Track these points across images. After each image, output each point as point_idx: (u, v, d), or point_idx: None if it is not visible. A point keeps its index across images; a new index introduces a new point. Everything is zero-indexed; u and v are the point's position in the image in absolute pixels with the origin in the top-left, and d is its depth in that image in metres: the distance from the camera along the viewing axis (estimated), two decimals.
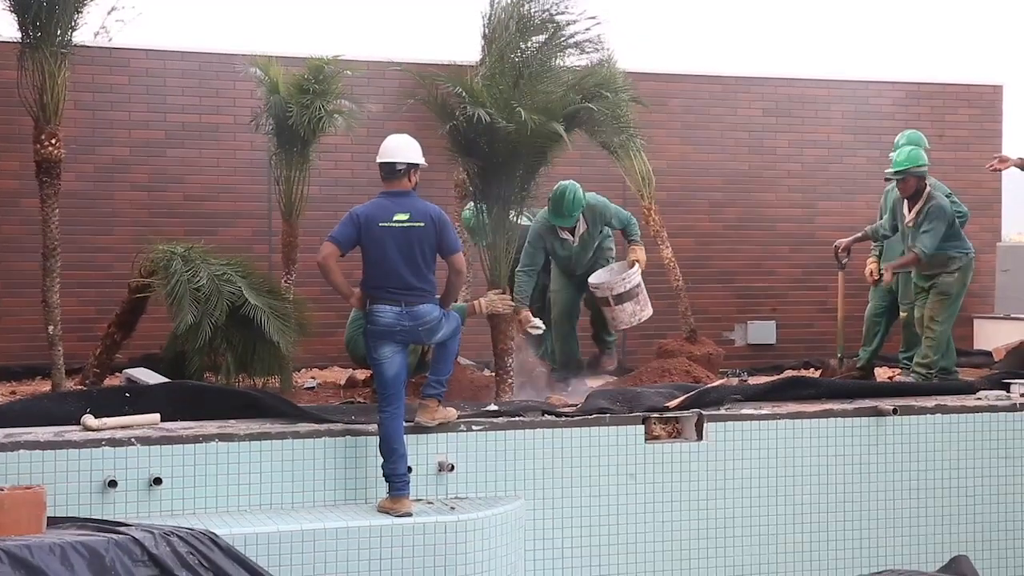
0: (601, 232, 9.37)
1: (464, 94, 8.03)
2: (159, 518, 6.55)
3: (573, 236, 9.27)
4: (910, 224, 9.24)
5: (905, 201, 9.31)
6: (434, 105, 8.39)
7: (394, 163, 7.02)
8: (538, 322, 8.73)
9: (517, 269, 9.06)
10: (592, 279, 9.29)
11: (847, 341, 9.99)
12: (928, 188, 9.26)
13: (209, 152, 10.65)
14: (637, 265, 9.17)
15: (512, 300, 8.46)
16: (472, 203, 9.28)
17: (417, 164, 7.08)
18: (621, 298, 9.09)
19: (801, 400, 8.36)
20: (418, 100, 8.63)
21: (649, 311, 9.30)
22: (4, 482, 6.32)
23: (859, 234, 9.79)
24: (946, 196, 10.09)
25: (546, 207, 9.21)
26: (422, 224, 6.91)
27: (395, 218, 6.90)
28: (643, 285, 9.21)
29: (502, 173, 8.26)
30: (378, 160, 7.07)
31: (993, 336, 11.77)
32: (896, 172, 9.24)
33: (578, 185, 9.15)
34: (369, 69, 10.60)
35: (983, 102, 12.72)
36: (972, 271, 9.37)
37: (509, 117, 7.96)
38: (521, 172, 8.37)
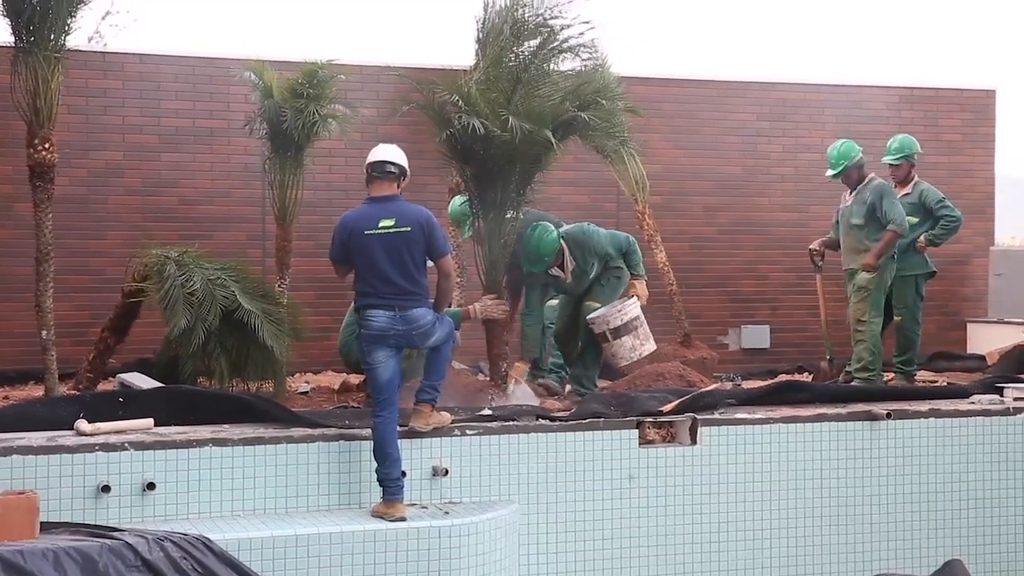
0: (594, 264, 8.99)
1: (460, 102, 8.01)
2: (153, 523, 6.54)
3: (564, 272, 8.98)
4: (848, 204, 9.40)
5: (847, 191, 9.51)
6: (431, 111, 8.39)
7: (386, 162, 7.04)
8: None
9: (521, 312, 8.99)
10: (590, 315, 8.94)
11: (836, 344, 10.01)
12: (870, 175, 9.36)
13: (203, 156, 10.64)
14: (636, 298, 8.90)
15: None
16: (459, 196, 9.26)
17: (407, 173, 7.11)
18: (618, 332, 8.78)
19: (795, 404, 8.37)
20: (415, 107, 8.61)
21: (651, 346, 8.97)
22: None
23: (829, 235, 9.85)
24: (939, 200, 10.17)
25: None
26: (408, 228, 6.93)
27: (380, 224, 6.92)
28: (643, 319, 8.90)
29: (498, 178, 8.27)
30: (369, 160, 7.08)
31: (986, 340, 11.79)
32: (835, 175, 9.36)
33: (550, 228, 8.80)
34: (363, 73, 10.61)
35: (976, 106, 12.75)
36: (890, 270, 9.36)
37: (503, 125, 7.96)
38: (517, 177, 8.36)
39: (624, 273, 9.13)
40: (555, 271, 9.03)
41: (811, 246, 9.95)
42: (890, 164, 10.32)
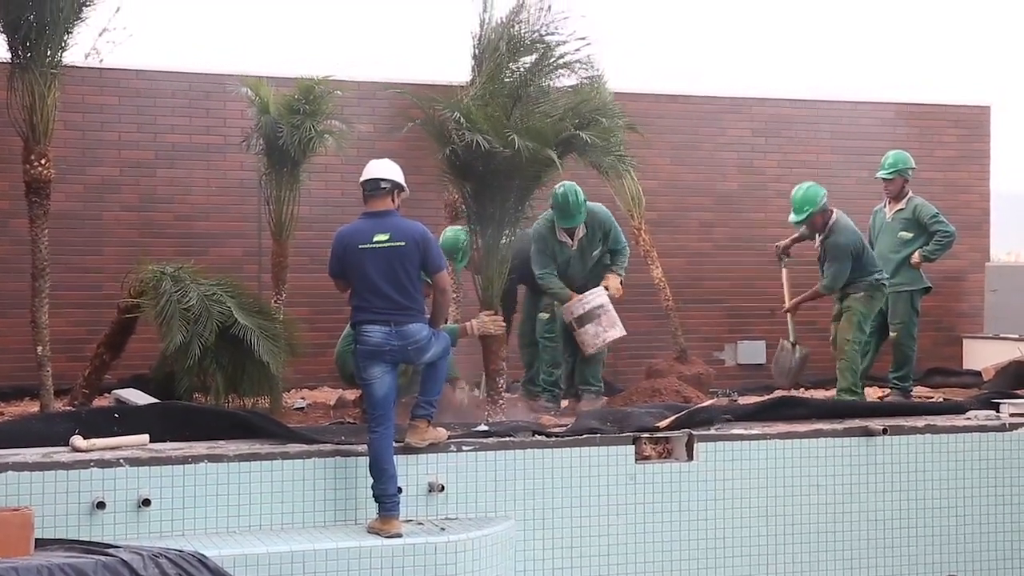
0: (600, 241, 9.28)
1: (461, 119, 8.00)
2: (148, 540, 6.52)
3: (572, 240, 9.24)
4: (818, 255, 9.56)
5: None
6: (431, 128, 8.38)
7: (378, 179, 7.07)
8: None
9: (537, 275, 9.17)
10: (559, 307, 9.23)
11: (798, 332, 10.09)
12: (832, 221, 9.38)
13: (199, 172, 10.64)
14: (601, 288, 9.13)
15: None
16: (452, 227, 9.26)
17: (401, 186, 7.12)
18: (581, 320, 9.04)
19: (791, 420, 8.37)
20: (416, 123, 8.60)
21: (616, 331, 9.15)
22: None
23: (796, 234, 9.86)
24: (933, 216, 10.20)
25: (550, 210, 9.21)
26: (403, 243, 6.94)
27: (375, 239, 6.93)
28: (608, 307, 9.10)
29: (497, 195, 8.26)
30: (362, 179, 7.13)
31: (982, 356, 11.79)
32: (799, 222, 9.41)
33: (576, 186, 9.16)
34: (359, 89, 10.61)
35: (970, 122, 12.77)
36: (879, 297, 9.46)
37: (505, 142, 7.96)
38: (516, 194, 8.37)
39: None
40: (563, 237, 9.22)
41: (778, 243, 10.01)
42: (883, 179, 10.34)
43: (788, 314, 10.03)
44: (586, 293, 9.17)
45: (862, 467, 8.12)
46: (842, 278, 9.28)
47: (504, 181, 8.22)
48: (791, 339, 10.05)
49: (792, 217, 9.47)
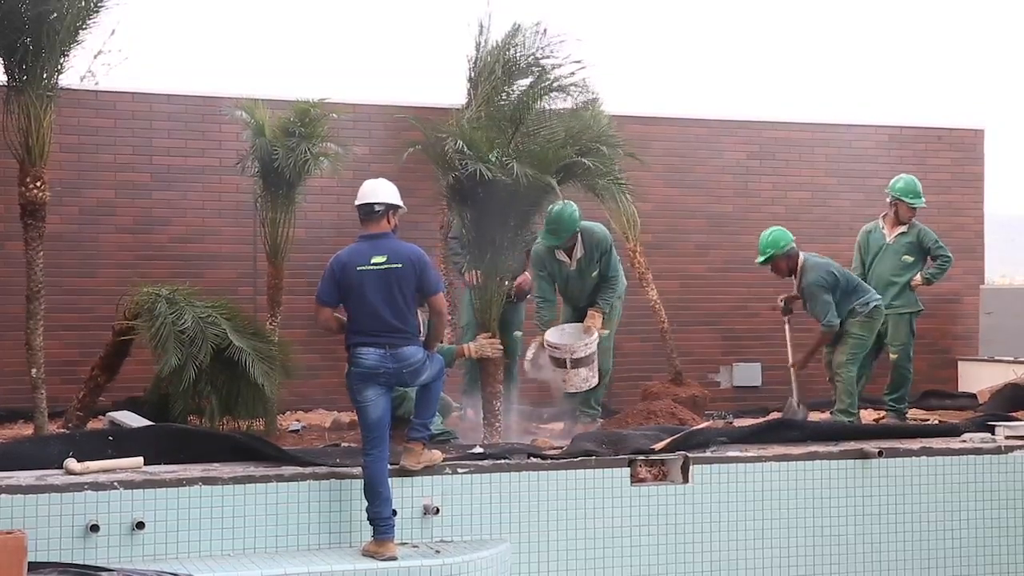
0: (598, 262, 9.22)
1: (464, 147, 7.97)
2: (142, 563, 6.50)
3: (570, 259, 9.22)
4: (798, 296, 9.60)
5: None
6: (433, 154, 8.37)
7: (372, 204, 7.07)
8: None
9: (536, 300, 9.27)
10: (550, 338, 9.08)
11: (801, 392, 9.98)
12: (801, 263, 9.42)
13: (194, 194, 10.64)
14: (595, 333, 9.04)
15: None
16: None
17: (395, 206, 7.12)
18: (579, 362, 8.94)
19: (787, 442, 8.36)
20: (417, 147, 8.58)
21: (596, 379, 9.14)
22: None
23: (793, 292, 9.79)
24: (936, 241, 10.26)
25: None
26: (400, 265, 6.94)
27: (372, 261, 6.93)
28: (596, 352, 9.05)
29: (497, 221, 8.26)
30: (356, 203, 7.13)
31: (977, 378, 11.80)
32: (761, 263, 9.44)
33: (574, 206, 9.08)
34: (355, 112, 10.63)
35: (965, 146, 12.81)
36: (878, 319, 9.50)
37: (506, 170, 7.94)
38: (515, 219, 8.36)
39: (621, 304, 9.39)
40: (561, 256, 9.19)
41: (781, 297, 9.99)
42: (916, 208, 10.29)
43: (792, 370, 9.91)
44: (571, 331, 9.13)
45: (858, 489, 8.11)
46: (831, 310, 9.28)
47: (504, 207, 8.21)
48: (795, 397, 9.90)
49: (758, 259, 9.51)
